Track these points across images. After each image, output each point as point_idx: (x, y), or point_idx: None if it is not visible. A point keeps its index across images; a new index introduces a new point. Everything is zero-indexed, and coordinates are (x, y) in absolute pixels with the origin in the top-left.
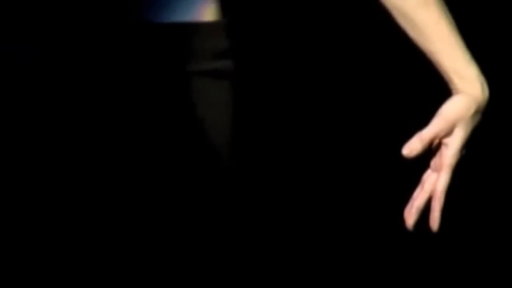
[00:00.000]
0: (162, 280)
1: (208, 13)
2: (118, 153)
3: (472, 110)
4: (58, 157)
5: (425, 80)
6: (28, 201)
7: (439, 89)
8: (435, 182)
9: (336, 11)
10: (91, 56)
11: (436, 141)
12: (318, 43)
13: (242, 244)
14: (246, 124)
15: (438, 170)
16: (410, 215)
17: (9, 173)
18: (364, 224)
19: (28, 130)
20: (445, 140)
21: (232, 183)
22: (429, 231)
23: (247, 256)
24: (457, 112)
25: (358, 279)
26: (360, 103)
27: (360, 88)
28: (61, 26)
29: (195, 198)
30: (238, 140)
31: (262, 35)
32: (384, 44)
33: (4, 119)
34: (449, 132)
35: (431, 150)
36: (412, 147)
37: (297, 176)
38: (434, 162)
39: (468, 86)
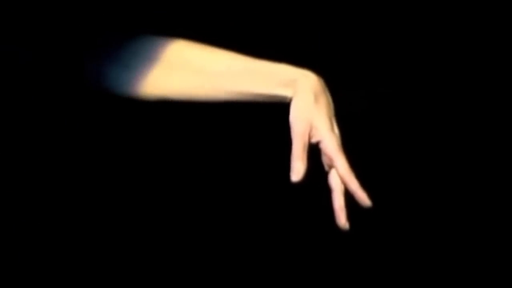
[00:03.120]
0: (162, 280)
1: None
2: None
3: (311, 99)
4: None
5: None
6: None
7: None
8: (336, 176)
9: None
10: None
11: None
12: None
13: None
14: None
15: (331, 164)
16: (339, 217)
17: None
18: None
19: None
20: (314, 139)
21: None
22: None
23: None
24: (301, 113)
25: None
26: None
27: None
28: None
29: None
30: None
31: None
32: None
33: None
34: (312, 132)
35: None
36: (296, 171)
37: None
38: (325, 163)
39: (292, 87)
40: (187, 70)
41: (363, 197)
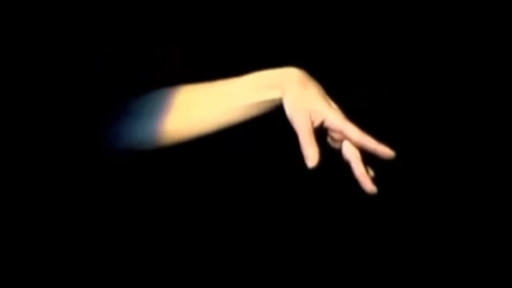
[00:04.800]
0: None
1: None
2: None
3: (300, 89)
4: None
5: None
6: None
7: None
8: (348, 146)
9: None
10: None
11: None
12: None
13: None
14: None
15: (341, 135)
16: (365, 183)
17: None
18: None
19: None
20: (317, 121)
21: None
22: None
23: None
24: (296, 104)
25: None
26: None
27: None
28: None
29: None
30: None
31: None
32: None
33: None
34: (313, 117)
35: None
36: (310, 156)
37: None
38: (334, 140)
39: (278, 87)
40: (197, 108)
41: (385, 151)
